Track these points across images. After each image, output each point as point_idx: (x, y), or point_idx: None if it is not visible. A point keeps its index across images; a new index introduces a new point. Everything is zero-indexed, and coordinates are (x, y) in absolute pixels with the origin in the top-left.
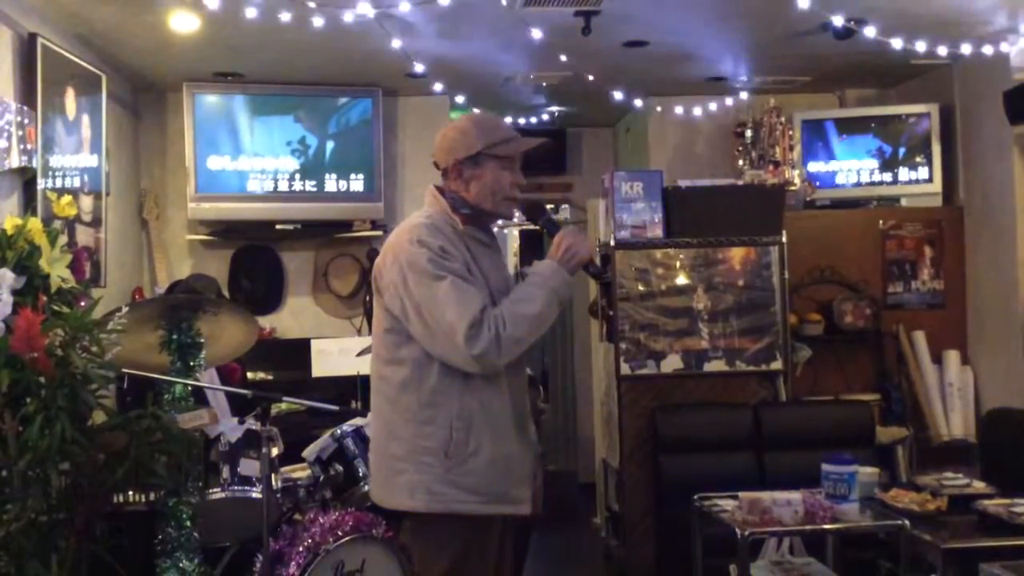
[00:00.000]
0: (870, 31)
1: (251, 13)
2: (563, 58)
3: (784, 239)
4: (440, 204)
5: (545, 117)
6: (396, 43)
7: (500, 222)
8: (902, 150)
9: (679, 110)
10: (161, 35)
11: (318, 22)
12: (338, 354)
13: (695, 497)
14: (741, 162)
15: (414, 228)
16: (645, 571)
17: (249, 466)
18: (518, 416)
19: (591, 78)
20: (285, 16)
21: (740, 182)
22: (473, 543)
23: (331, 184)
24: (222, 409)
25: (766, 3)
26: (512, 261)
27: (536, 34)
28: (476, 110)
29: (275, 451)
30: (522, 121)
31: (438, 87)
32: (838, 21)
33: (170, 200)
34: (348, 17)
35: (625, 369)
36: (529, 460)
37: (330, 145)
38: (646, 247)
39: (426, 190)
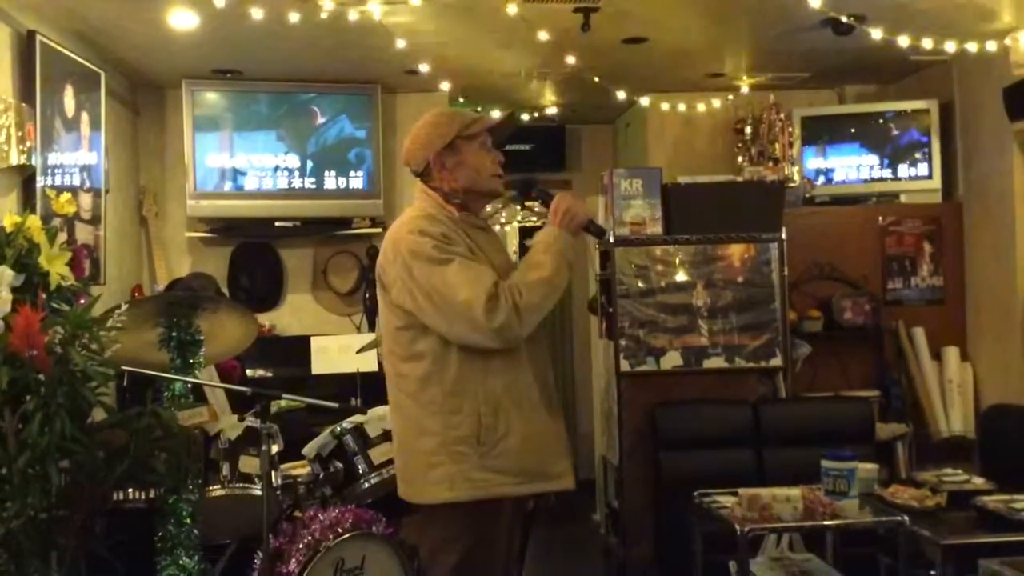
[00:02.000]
0: (870, 27)
1: (250, 10)
2: (562, 55)
3: (783, 236)
4: (432, 198)
5: (543, 114)
6: (394, 38)
7: (502, 219)
8: (886, 161)
9: (678, 107)
10: (160, 32)
11: (317, 19)
12: (338, 351)
13: (695, 494)
14: (740, 159)
15: (412, 220)
16: (644, 568)
17: (249, 463)
18: (544, 390)
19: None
20: (284, 13)
21: (739, 179)
22: (482, 535)
23: (330, 181)
24: (221, 406)
25: None
26: (512, 260)
27: (535, 31)
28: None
29: (275, 448)
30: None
31: (434, 81)
32: (838, 17)
33: (169, 197)
34: (345, 13)
35: (624, 366)
36: (562, 432)
37: (310, 164)
38: (645, 244)
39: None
